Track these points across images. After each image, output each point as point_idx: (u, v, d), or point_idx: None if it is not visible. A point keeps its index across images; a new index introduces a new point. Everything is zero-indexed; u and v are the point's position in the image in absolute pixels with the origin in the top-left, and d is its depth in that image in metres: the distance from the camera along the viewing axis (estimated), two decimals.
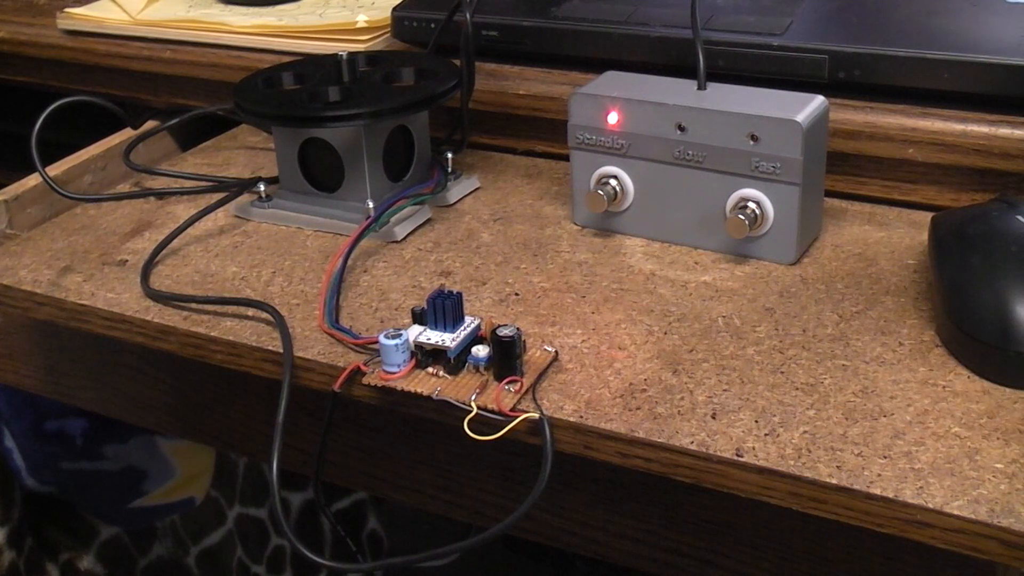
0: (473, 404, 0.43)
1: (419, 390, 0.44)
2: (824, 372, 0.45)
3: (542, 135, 0.66)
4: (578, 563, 1.02)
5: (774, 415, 0.42)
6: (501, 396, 0.43)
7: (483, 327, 0.46)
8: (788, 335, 0.48)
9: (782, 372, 0.45)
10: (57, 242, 0.60)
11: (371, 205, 0.57)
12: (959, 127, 0.55)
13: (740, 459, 0.40)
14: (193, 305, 0.52)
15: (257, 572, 1.02)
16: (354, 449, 0.62)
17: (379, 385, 0.45)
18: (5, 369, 0.73)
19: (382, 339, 0.45)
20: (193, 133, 0.74)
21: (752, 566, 0.53)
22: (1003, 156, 0.54)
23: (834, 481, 0.39)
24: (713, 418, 0.43)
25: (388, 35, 0.72)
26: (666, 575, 0.55)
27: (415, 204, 0.60)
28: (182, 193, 0.65)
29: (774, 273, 0.53)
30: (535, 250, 0.56)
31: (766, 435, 0.41)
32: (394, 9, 0.70)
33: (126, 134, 0.71)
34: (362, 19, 0.72)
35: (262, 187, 0.62)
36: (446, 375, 0.45)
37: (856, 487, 0.39)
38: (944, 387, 0.44)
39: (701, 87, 0.55)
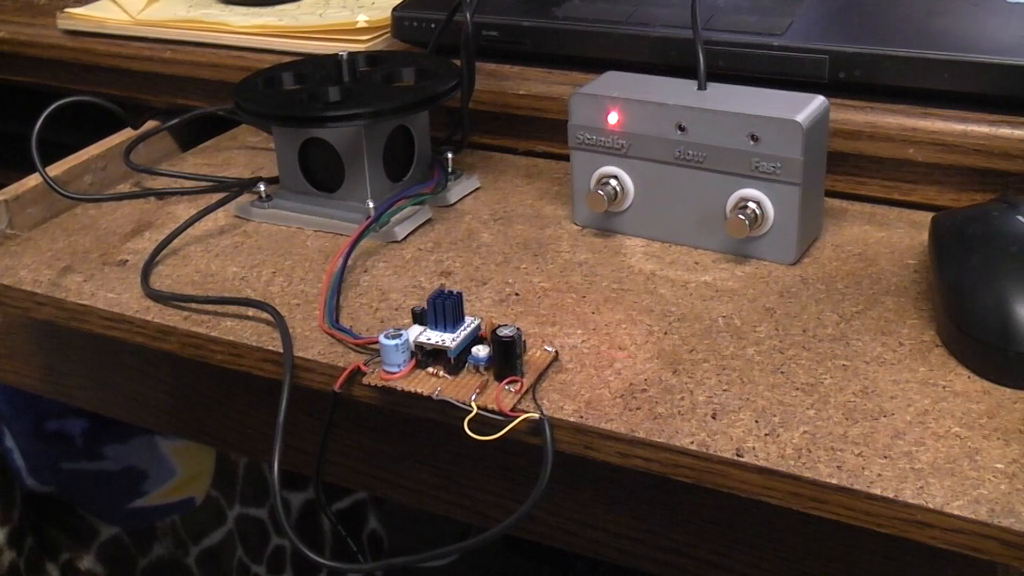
0: (473, 404, 0.43)
1: (419, 390, 0.44)
2: (824, 372, 0.45)
3: (542, 135, 0.66)
4: (578, 563, 1.01)
5: (774, 415, 0.42)
6: (501, 396, 0.43)
7: (483, 327, 0.46)
8: (788, 335, 0.48)
9: (782, 372, 0.45)
10: (57, 242, 0.60)
11: (371, 205, 0.57)
12: (959, 127, 0.55)
13: (740, 459, 0.40)
14: (193, 305, 0.52)
15: (257, 572, 1.02)
16: (354, 449, 0.62)
17: (379, 385, 0.45)
18: (5, 369, 0.73)
19: (382, 339, 0.45)
20: (193, 133, 0.74)
21: (752, 566, 0.53)
22: (1003, 156, 0.54)
23: (834, 481, 0.39)
24: (713, 418, 0.42)
25: (388, 35, 0.71)
26: (666, 575, 0.55)
27: (415, 204, 0.60)
28: (182, 193, 0.65)
29: (774, 273, 0.53)
30: (535, 250, 0.56)
31: (766, 435, 0.41)
32: (394, 9, 0.70)
33: (126, 134, 0.71)
34: (362, 19, 0.72)
35: (262, 187, 0.62)
36: (446, 375, 0.45)
37: (856, 487, 0.39)
38: (944, 387, 0.44)
39: (701, 87, 0.55)
